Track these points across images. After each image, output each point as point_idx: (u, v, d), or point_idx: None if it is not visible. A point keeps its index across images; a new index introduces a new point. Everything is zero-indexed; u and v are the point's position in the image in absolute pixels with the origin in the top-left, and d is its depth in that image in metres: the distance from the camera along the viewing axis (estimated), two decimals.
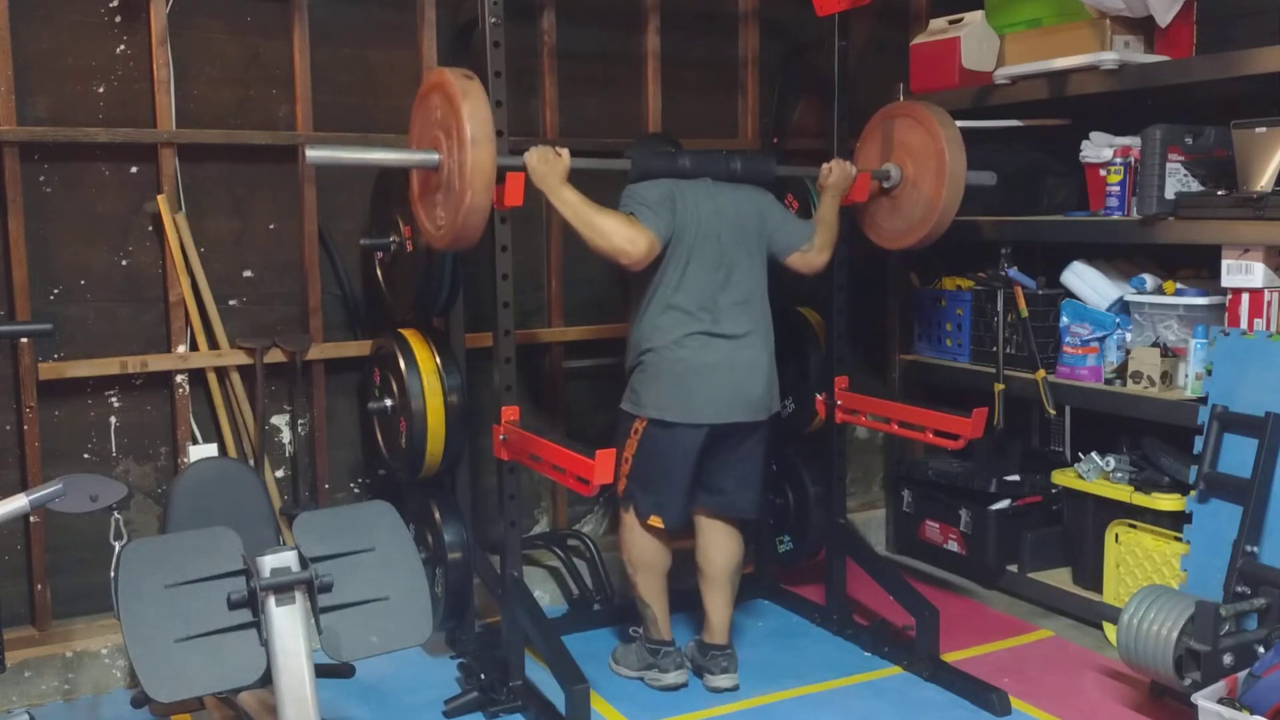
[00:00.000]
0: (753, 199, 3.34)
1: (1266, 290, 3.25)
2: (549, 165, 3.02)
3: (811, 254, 3.38)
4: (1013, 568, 4.06)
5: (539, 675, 3.26)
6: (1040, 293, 3.93)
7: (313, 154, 2.81)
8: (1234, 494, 3.16)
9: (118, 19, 3.43)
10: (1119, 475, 3.69)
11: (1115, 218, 3.65)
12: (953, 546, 4.19)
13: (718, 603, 3.39)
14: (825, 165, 3.46)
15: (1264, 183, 3.21)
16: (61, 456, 3.44)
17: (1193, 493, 3.29)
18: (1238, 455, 3.19)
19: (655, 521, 3.28)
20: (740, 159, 3.37)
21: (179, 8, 3.48)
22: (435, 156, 2.86)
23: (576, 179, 3.08)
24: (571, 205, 3.05)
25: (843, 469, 3.81)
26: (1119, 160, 3.66)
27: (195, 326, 3.55)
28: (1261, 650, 2.85)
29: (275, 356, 3.64)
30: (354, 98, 3.79)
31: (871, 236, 3.70)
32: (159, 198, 3.48)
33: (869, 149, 3.67)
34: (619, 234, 3.06)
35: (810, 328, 4.00)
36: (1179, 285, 3.59)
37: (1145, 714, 3.17)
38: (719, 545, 3.38)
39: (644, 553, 3.35)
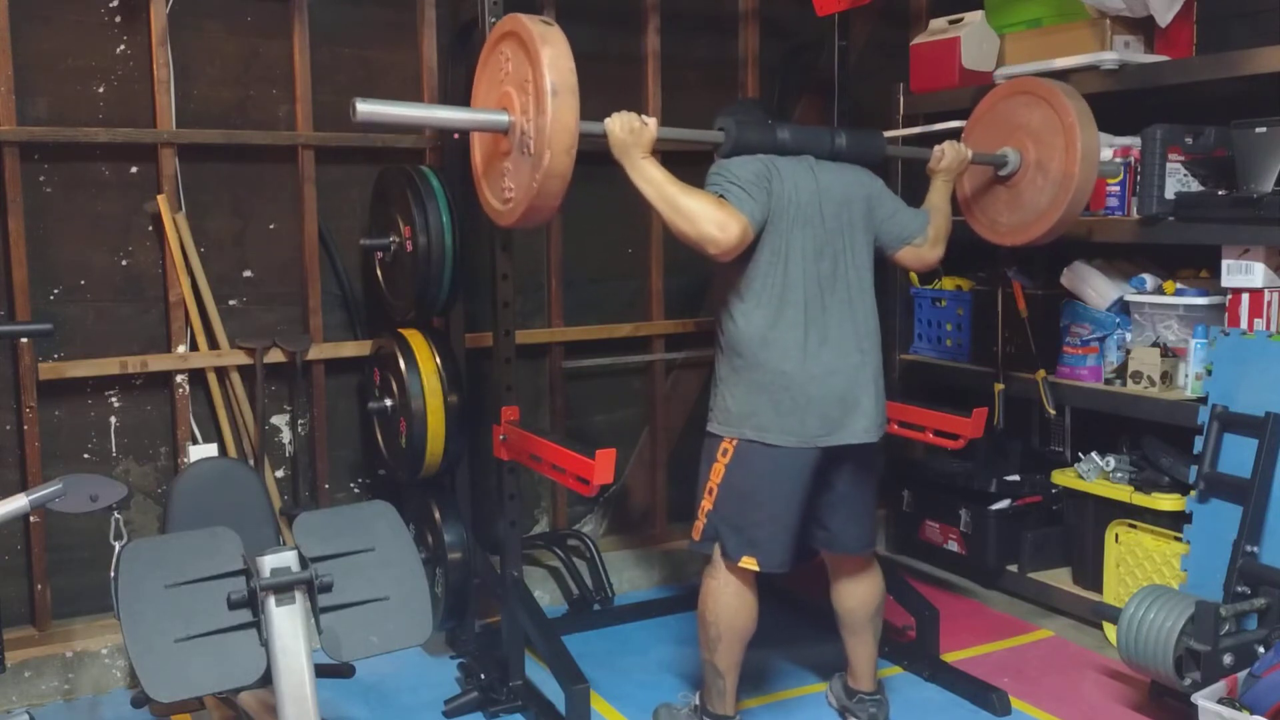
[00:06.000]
0: (861, 182, 2.95)
1: (1266, 290, 3.25)
2: (633, 134, 2.65)
3: (925, 248, 3.03)
4: (1013, 568, 4.06)
5: (539, 675, 3.26)
6: (1040, 293, 3.93)
7: (364, 107, 2.47)
8: (1234, 494, 3.16)
9: (118, 19, 3.43)
10: (1119, 475, 3.69)
11: (1115, 218, 3.66)
12: (953, 546, 4.19)
13: (861, 649, 3.09)
14: (937, 148, 3.12)
15: (1264, 183, 3.21)
16: (61, 456, 3.44)
17: (1193, 493, 3.29)
18: (1238, 455, 3.19)
19: (749, 563, 2.83)
20: (846, 135, 2.99)
21: (179, 8, 3.48)
22: (505, 117, 2.51)
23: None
24: (654, 182, 2.67)
25: None
26: (1119, 160, 3.66)
27: (195, 326, 3.55)
28: (1261, 650, 2.85)
29: (275, 356, 3.64)
30: (354, 97, 3.77)
31: (986, 234, 3.34)
32: (159, 198, 3.48)
33: (978, 135, 3.31)
34: (707, 218, 2.65)
35: None
36: (1179, 285, 3.59)
37: (1145, 714, 3.17)
38: (853, 589, 3.06)
39: (733, 614, 2.86)
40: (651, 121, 2.69)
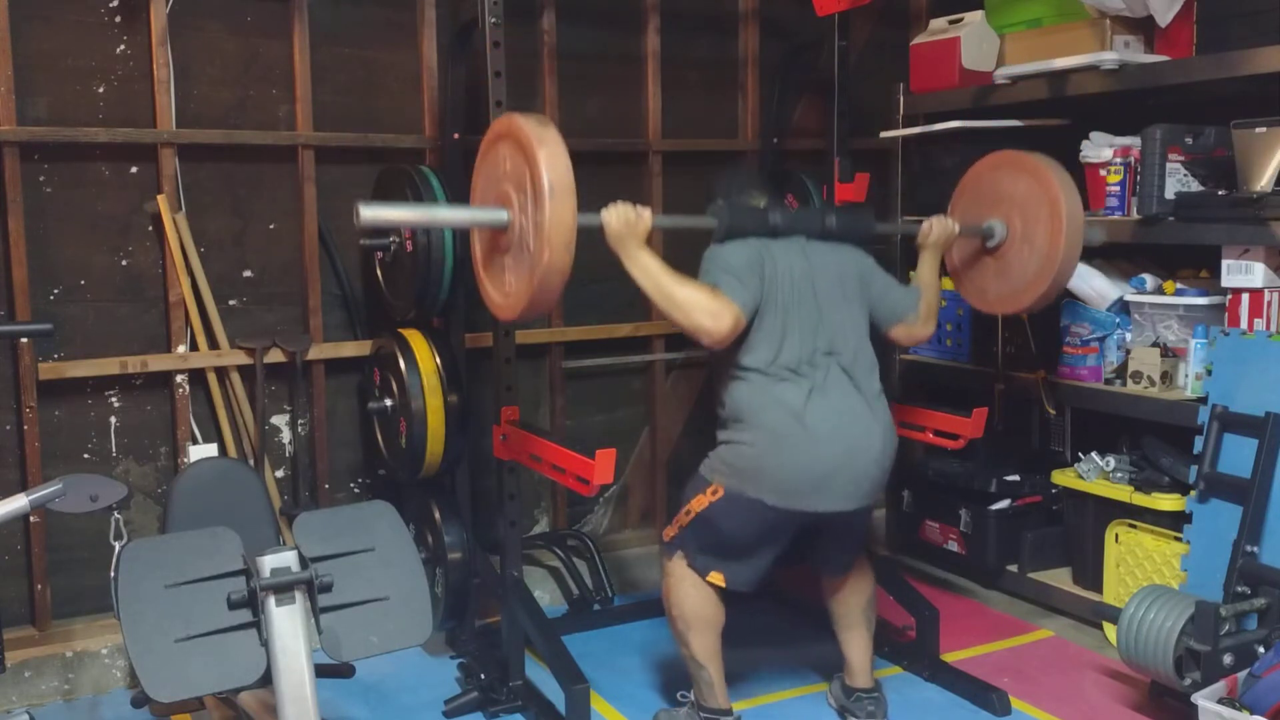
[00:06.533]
0: (854, 260, 3.02)
1: (1266, 290, 3.25)
2: (629, 226, 2.72)
3: (917, 326, 3.09)
4: (1013, 568, 4.06)
5: (539, 675, 3.26)
6: None
7: (366, 212, 2.54)
8: (1234, 494, 3.16)
9: (118, 19, 3.43)
10: (1119, 475, 3.68)
11: (1115, 218, 3.66)
12: (953, 546, 4.19)
13: (856, 644, 3.13)
14: (925, 222, 3.19)
15: (1264, 183, 3.21)
16: (61, 456, 3.44)
17: (1193, 493, 3.29)
18: (1238, 455, 3.19)
19: (716, 579, 2.92)
20: (836, 214, 3.05)
21: (179, 8, 3.48)
22: (505, 215, 2.55)
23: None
24: (649, 273, 2.74)
25: None
26: (1119, 160, 3.66)
27: (195, 326, 3.55)
28: (1261, 650, 2.85)
29: (275, 356, 3.65)
30: (354, 97, 3.79)
31: (976, 303, 3.39)
32: (159, 198, 3.48)
33: (964, 207, 3.36)
34: (701, 308, 2.71)
35: None
36: (1179, 285, 3.59)
37: (1145, 714, 3.17)
38: (842, 585, 3.12)
39: (699, 607, 2.93)
40: (646, 212, 2.75)
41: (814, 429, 2.78)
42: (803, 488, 2.78)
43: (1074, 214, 3.06)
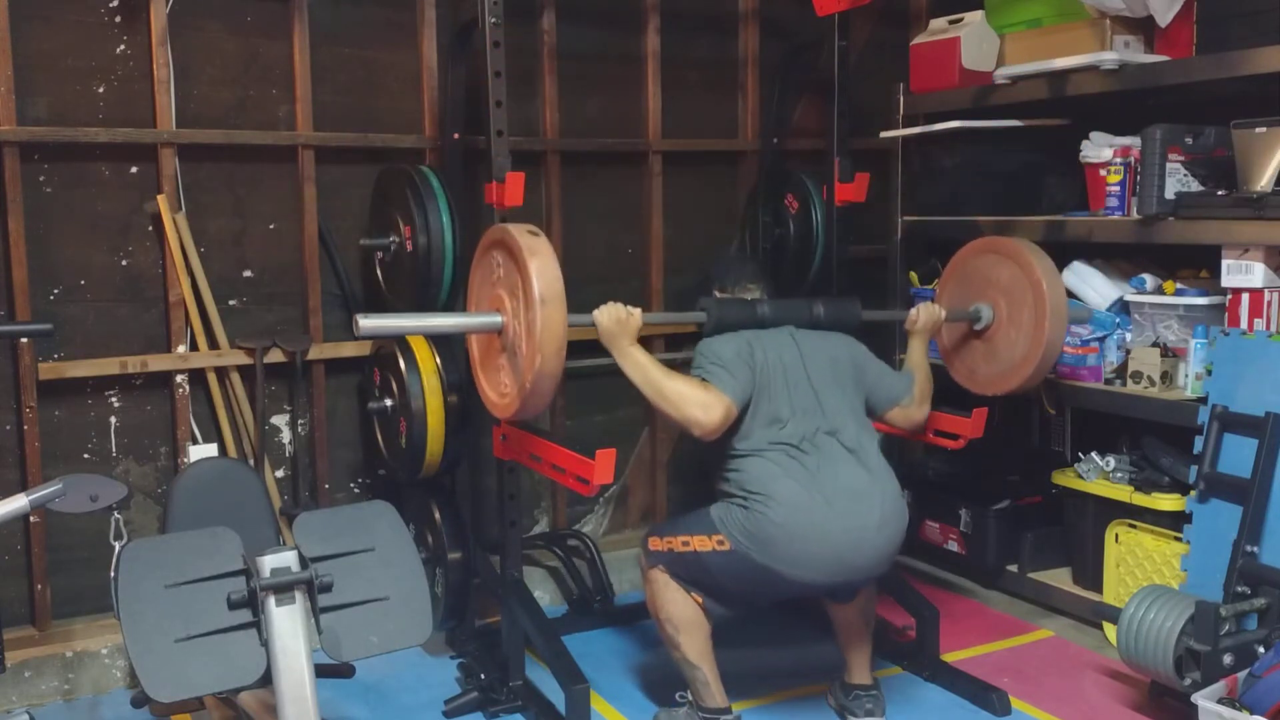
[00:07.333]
0: (845, 346, 3.10)
1: (1266, 290, 3.25)
2: (620, 325, 2.85)
3: (912, 408, 3.16)
4: (1013, 568, 4.06)
5: (539, 675, 3.26)
6: None
7: (365, 324, 2.67)
8: (1234, 494, 3.16)
9: (118, 19, 3.43)
10: (1119, 475, 3.68)
11: (1115, 218, 3.65)
12: (953, 546, 4.19)
13: (855, 643, 3.15)
14: (912, 310, 3.30)
15: (1264, 183, 3.21)
16: (61, 456, 3.44)
17: (1193, 493, 3.29)
18: (1238, 455, 3.18)
19: (694, 599, 2.94)
20: (824, 304, 3.15)
21: (179, 8, 3.48)
22: (499, 319, 2.68)
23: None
24: (640, 368, 2.84)
25: None
26: (1119, 160, 3.66)
27: (195, 326, 3.55)
28: (1261, 650, 2.85)
29: (275, 356, 3.65)
30: (354, 98, 3.79)
31: (966, 384, 3.50)
32: (159, 198, 3.48)
33: (951, 292, 3.48)
34: (691, 401, 2.79)
35: None
36: (1179, 285, 3.59)
37: (1145, 714, 3.17)
38: None
39: (686, 610, 2.94)
40: (636, 311, 2.88)
41: (826, 505, 2.78)
42: (819, 563, 2.79)
43: (1057, 299, 3.20)
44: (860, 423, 2.99)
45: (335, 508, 2.77)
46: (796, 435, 2.86)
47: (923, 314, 3.29)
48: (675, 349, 4.30)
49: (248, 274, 3.69)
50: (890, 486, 2.91)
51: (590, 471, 2.75)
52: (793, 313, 3.09)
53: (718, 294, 3.21)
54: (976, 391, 3.49)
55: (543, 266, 2.57)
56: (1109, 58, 3.55)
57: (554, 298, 2.55)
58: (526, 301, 2.57)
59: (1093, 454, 3.77)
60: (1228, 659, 2.85)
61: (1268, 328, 3.25)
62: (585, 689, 2.94)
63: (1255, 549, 3.05)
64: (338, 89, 3.75)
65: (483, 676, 3.27)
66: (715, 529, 2.86)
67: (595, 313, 2.86)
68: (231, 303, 3.66)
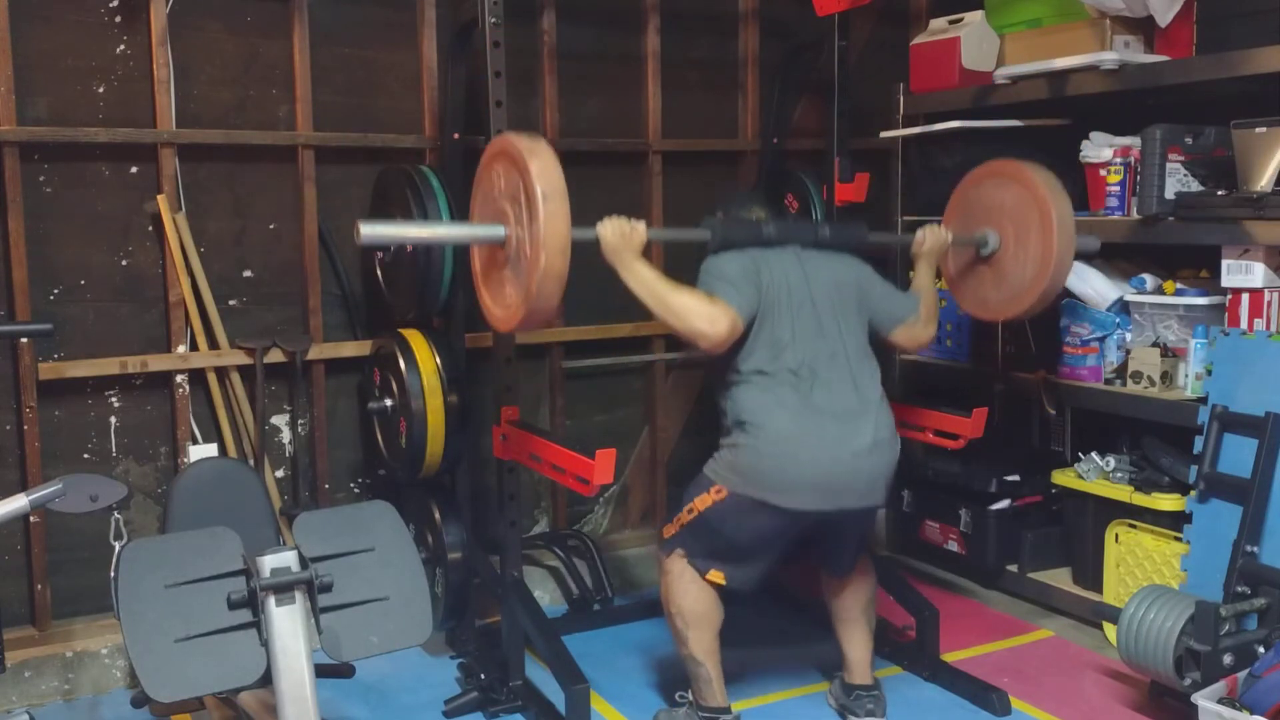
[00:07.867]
0: (850, 267, 3.07)
1: (1266, 290, 3.25)
2: (624, 238, 2.81)
3: (918, 327, 3.13)
4: (1013, 568, 4.06)
5: (539, 675, 3.26)
6: None
7: (366, 230, 2.60)
8: (1234, 494, 3.16)
9: (118, 19, 3.43)
10: (1119, 475, 3.68)
11: (1115, 217, 3.65)
12: (953, 546, 4.19)
13: (856, 641, 3.15)
14: (919, 232, 3.25)
15: (1264, 183, 3.21)
16: (61, 456, 3.44)
17: (1193, 493, 3.29)
18: (1238, 455, 3.18)
19: (716, 577, 2.95)
20: (829, 225, 3.12)
21: (179, 8, 3.48)
22: (502, 230, 2.63)
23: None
24: (645, 282, 2.81)
25: None
26: (1119, 160, 3.66)
27: (195, 326, 3.55)
28: (1261, 650, 2.85)
29: (275, 356, 3.65)
30: (354, 97, 3.79)
31: (977, 312, 3.44)
32: (159, 198, 3.48)
33: (957, 220, 3.40)
34: (696, 314, 2.76)
35: None
36: (1179, 285, 3.59)
37: (1145, 714, 3.17)
38: (848, 585, 3.15)
39: (698, 604, 2.95)
40: (640, 225, 2.82)
41: (818, 430, 2.81)
42: (807, 488, 2.80)
43: (1064, 216, 3.11)
44: (860, 349, 2.98)
45: (335, 508, 2.77)
46: (795, 360, 2.85)
47: (929, 237, 3.24)
48: (676, 349, 4.32)
49: (248, 274, 3.69)
50: (884, 414, 2.91)
51: (590, 471, 2.76)
52: (798, 232, 3.06)
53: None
54: (988, 319, 3.48)
55: (544, 166, 2.52)
56: (1109, 58, 3.55)
57: (556, 194, 2.48)
58: (529, 202, 2.51)
59: (1093, 454, 3.77)
60: (1228, 659, 2.85)
61: (1268, 328, 3.25)
62: (585, 689, 2.94)
63: (1255, 549, 3.05)
64: (338, 89, 3.75)
65: (483, 676, 3.27)
66: (711, 483, 2.89)
67: (599, 226, 2.81)
68: (231, 303, 3.66)
